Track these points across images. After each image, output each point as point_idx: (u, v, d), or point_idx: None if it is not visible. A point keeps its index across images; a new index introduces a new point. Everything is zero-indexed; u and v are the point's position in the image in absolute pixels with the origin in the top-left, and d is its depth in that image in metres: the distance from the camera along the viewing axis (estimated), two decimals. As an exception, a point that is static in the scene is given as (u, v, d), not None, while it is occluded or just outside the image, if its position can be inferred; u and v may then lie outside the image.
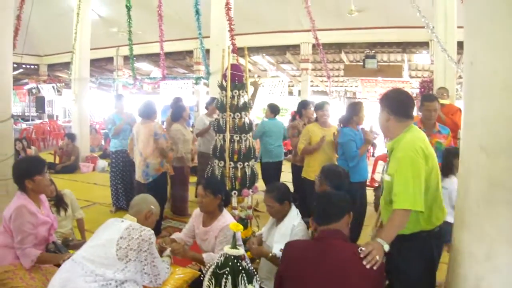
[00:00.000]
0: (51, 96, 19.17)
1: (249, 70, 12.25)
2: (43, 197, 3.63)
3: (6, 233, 3.36)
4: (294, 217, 3.63)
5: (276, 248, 3.37)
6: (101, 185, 8.84)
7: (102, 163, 11.34)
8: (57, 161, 11.60)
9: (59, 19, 16.34)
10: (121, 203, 7.19)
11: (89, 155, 11.92)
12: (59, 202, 4.76)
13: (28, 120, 21.39)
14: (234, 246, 2.71)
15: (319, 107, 5.76)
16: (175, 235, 3.96)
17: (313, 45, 13.83)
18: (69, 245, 4.12)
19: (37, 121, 20.92)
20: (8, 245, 3.35)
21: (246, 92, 5.05)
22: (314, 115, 6.13)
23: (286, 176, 7.32)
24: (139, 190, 6.80)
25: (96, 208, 7.44)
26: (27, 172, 3.43)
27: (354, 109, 5.24)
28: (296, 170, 6.40)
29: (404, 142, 2.81)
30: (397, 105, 2.87)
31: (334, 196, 2.76)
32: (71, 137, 11.57)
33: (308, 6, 10.83)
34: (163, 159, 5.84)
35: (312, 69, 16.18)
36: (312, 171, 5.40)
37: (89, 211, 6.85)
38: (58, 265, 3.34)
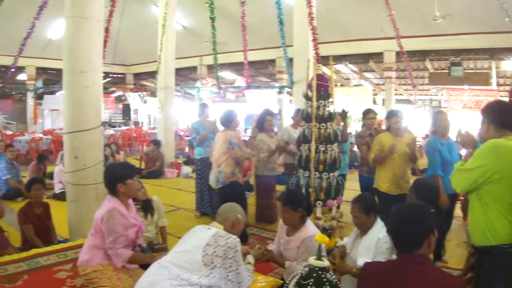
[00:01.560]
0: (137, 104, 20.25)
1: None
2: (130, 201, 3.84)
3: (96, 235, 3.58)
4: (379, 229, 3.56)
5: (361, 261, 3.31)
6: (185, 190, 9.16)
7: (186, 169, 11.78)
8: (142, 167, 12.21)
9: (144, 30, 17.29)
10: (206, 208, 7.44)
11: (173, 161, 12.39)
12: (146, 207, 4.99)
13: (114, 127, 22.74)
14: (319, 257, 2.70)
15: (392, 115, 5.51)
16: (270, 247, 4.07)
17: (397, 53, 13.51)
18: (153, 249, 4.30)
19: (124, 128, 22.25)
20: (98, 246, 3.56)
21: (332, 102, 5.04)
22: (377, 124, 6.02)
23: (354, 186, 7.20)
24: (210, 194, 7.03)
25: (180, 213, 7.72)
26: (120, 176, 3.64)
27: (436, 118, 5.11)
28: (364, 181, 6.25)
29: None
30: (497, 115, 2.92)
31: (415, 216, 2.33)
32: (157, 143, 12.11)
33: (392, 14, 10.62)
34: (236, 168, 5.94)
35: (396, 77, 15.79)
36: (382, 181, 5.26)
37: (173, 216, 7.12)
38: (145, 268, 3.54)
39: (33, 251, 5.05)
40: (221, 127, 6.37)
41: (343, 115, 6.13)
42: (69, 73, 5.36)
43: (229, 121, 6.10)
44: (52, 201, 7.71)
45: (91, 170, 5.34)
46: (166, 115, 12.45)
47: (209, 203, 7.38)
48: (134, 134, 19.37)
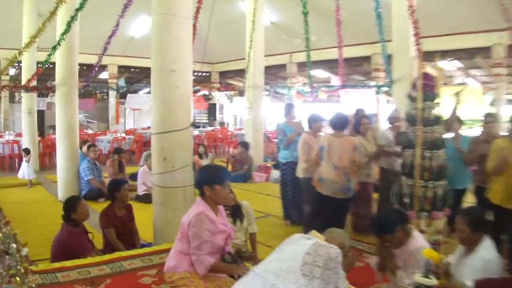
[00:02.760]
0: (223, 103, 20.86)
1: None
2: (220, 206, 3.95)
3: (183, 239, 3.73)
4: (487, 249, 3.46)
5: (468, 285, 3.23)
6: (275, 196, 9.33)
7: (276, 174, 11.85)
8: (229, 169, 12.57)
9: (230, 27, 17.75)
10: (292, 217, 7.54)
11: (262, 165, 12.71)
12: (236, 213, 5.14)
13: (199, 127, 23.52)
14: (426, 274, 2.69)
15: None
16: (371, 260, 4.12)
17: (509, 47, 12.79)
18: (242, 257, 4.40)
19: (209, 128, 22.98)
20: (185, 251, 3.70)
21: (438, 104, 4.94)
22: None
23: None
24: (297, 201, 7.04)
25: (269, 220, 7.92)
26: (208, 178, 3.79)
27: None
28: (480, 192, 5.98)
29: None
30: None
31: None
32: (245, 145, 12.45)
33: (504, 3, 10.06)
34: (357, 173, 6.01)
35: (507, 75, 14.94)
36: (495, 192, 5.08)
37: (262, 223, 7.28)
38: (232, 277, 3.65)
39: (117, 254, 5.29)
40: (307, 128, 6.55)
41: (458, 119, 5.97)
42: (158, 72, 5.65)
43: (344, 124, 6.13)
44: (135, 203, 8.17)
45: (180, 172, 5.60)
46: (255, 115, 12.77)
47: (294, 211, 7.51)
48: (220, 135, 19.98)
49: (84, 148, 10.40)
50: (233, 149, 16.31)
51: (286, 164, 7.63)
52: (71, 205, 5.17)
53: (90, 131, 20.03)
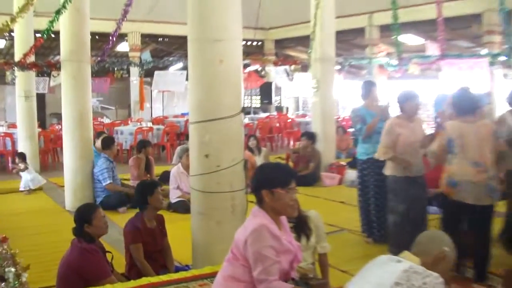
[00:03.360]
0: (282, 82, 20.87)
1: None
2: (284, 218, 3.98)
3: (235, 262, 3.76)
4: None
5: None
6: (351, 204, 9.32)
7: (352, 175, 11.77)
8: None
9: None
10: (375, 232, 7.55)
11: (334, 163, 12.80)
12: (300, 226, 5.13)
13: (249, 113, 23.84)
14: None
15: None
16: None
17: None
18: (309, 284, 4.46)
19: (262, 115, 23.23)
20: (238, 277, 3.74)
21: None
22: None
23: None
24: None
25: (344, 236, 7.97)
26: (268, 180, 3.82)
27: None
28: None
29: None
30: None
31: None
32: (311, 137, 12.47)
33: None
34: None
35: None
36: None
37: (334, 240, 7.27)
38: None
39: (144, 281, 5.31)
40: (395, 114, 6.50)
41: None
42: (196, 42, 5.72)
43: (472, 106, 6.05)
44: (167, 213, 8.35)
45: (227, 173, 5.66)
46: (324, 97, 12.81)
47: (377, 225, 7.51)
48: (277, 124, 20.21)
49: (98, 143, 10.72)
50: (295, 142, 16.37)
51: (366, 162, 7.61)
52: (85, 216, 5.26)
53: (106, 120, 20.58)
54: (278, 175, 3.85)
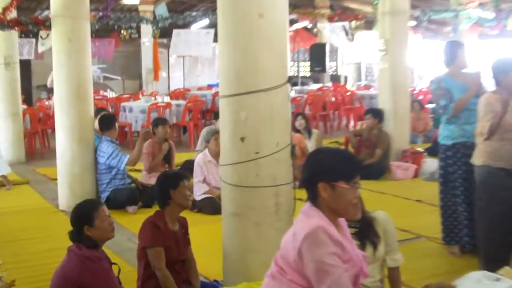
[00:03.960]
0: (339, 43, 20.77)
1: None
2: (343, 222, 3.98)
3: (281, 278, 3.75)
4: None
5: None
6: (431, 204, 9.33)
7: (432, 165, 11.65)
8: None
9: None
10: (463, 238, 7.47)
11: (408, 149, 12.77)
12: (365, 232, 5.14)
13: (296, 85, 23.81)
14: None
15: None
16: None
17: None
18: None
19: (313, 87, 23.27)
20: None
21: None
22: None
23: None
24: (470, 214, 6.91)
25: (421, 245, 7.97)
26: (327, 171, 3.77)
27: None
28: None
29: None
30: None
31: None
32: (378, 115, 12.50)
33: None
34: None
35: None
36: None
37: (408, 250, 7.29)
38: None
39: None
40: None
41: None
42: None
43: None
44: (189, 214, 8.37)
45: (269, 161, 5.65)
46: (395, 63, 12.76)
47: (467, 228, 7.40)
48: (333, 99, 20.20)
49: (96, 123, 10.69)
50: (356, 123, 16.29)
51: (451, 148, 7.53)
52: (85, 215, 5.29)
53: (110, 94, 20.64)
54: (342, 165, 3.79)
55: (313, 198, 3.77)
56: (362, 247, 5.03)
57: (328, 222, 3.69)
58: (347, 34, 18.58)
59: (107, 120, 10.46)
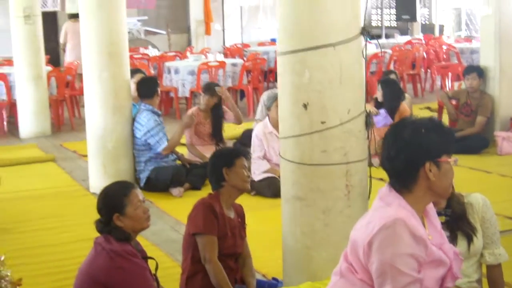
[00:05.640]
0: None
1: None
2: (431, 209, 3.96)
3: (351, 276, 3.76)
4: None
5: None
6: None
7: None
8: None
9: None
10: None
11: None
12: (457, 221, 5.06)
13: (379, 37, 23.95)
14: None
15: None
16: None
17: None
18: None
19: (400, 39, 23.02)
20: None
21: None
22: None
23: None
24: None
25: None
26: (432, 146, 3.72)
27: None
28: None
29: None
30: None
31: None
32: (480, 73, 12.38)
33: None
34: None
35: None
36: None
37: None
38: None
39: None
40: None
41: None
42: None
43: None
44: (247, 196, 8.37)
45: (338, 133, 5.65)
46: (502, 8, 12.57)
47: None
48: (424, 54, 20.04)
49: (132, 85, 10.77)
50: (452, 83, 16.13)
51: None
52: (114, 201, 5.31)
53: (153, 52, 20.68)
54: (440, 137, 3.77)
55: (409, 184, 3.73)
56: (453, 239, 4.97)
57: (412, 212, 3.66)
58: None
59: (146, 84, 10.54)
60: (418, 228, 3.58)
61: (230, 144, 12.11)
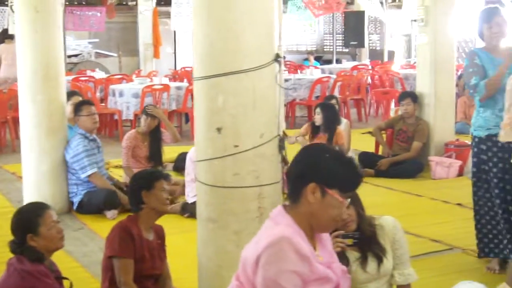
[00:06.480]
0: (377, 12, 20.76)
1: None
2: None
3: None
4: None
5: None
6: (471, 207, 9.41)
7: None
8: (380, 152, 13.10)
9: None
10: (503, 251, 7.50)
11: (452, 142, 12.81)
12: (367, 243, 5.18)
13: (330, 62, 24.20)
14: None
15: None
16: None
17: None
18: None
19: (346, 65, 23.26)
20: None
21: None
22: None
23: None
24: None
25: (454, 257, 8.08)
26: (326, 173, 3.79)
27: None
28: None
29: None
30: None
31: None
32: (414, 99, 12.64)
33: None
34: None
35: None
36: None
37: (438, 263, 7.45)
38: None
39: None
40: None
41: None
42: None
43: None
44: (180, 219, 8.56)
45: (251, 156, 5.70)
46: (437, 35, 12.78)
47: (508, 241, 7.44)
48: (369, 80, 20.54)
49: (68, 107, 10.79)
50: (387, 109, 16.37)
51: (486, 141, 7.55)
52: (27, 221, 5.37)
53: (99, 74, 20.59)
54: (344, 173, 3.84)
55: (295, 199, 3.85)
56: (364, 260, 5.12)
57: (298, 231, 3.75)
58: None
59: (79, 107, 10.49)
60: (303, 246, 3.67)
61: (170, 167, 12.28)
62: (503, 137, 6.75)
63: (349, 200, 3.89)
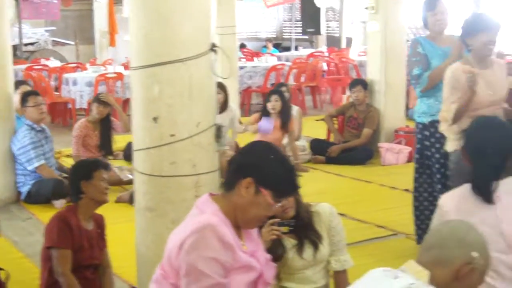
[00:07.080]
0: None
1: None
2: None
3: (164, 280, 3.91)
4: None
5: None
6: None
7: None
8: (332, 139, 13.16)
9: None
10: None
11: (401, 128, 12.96)
12: (302, 229, 5.19)
13: (288, 49, 24.27)
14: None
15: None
16: None
17: None
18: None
19: (302, 52, 23.47)
20: None
21: None
22: None
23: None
24: None
25: (397, 243, 8.19)
26: (264, 172, 3.86)
27: None
28: None
29: None
30: None
31: None
32: (364, 86, 12.79)
33: None
34: None
35: None
36: None
37: (380, 249, 7.56)
38: None
39: None
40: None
41: None
42: None
43: None
44: (128, 207, 8.43)
45: (187, 145, 5.76)
46: (387, 24, 12.87)
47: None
48: (325, 67, 20.69)
49: (16, 97, 10.79)
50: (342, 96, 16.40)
51: (429, 127, 7.64)
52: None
53: (53, 63, 20.59)
54: (282, 178, 3.91)
55: (228, 188, 3.92)
56: (300, 247, 5.14)
57: (223, 219, 3.80)
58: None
59: (25, 93, 10.55)
60: (227, 234, 3.73)
61: (120, 156, 12.29)
62: (443, 129, 6.84)
63: (278, 205, 3.94)
